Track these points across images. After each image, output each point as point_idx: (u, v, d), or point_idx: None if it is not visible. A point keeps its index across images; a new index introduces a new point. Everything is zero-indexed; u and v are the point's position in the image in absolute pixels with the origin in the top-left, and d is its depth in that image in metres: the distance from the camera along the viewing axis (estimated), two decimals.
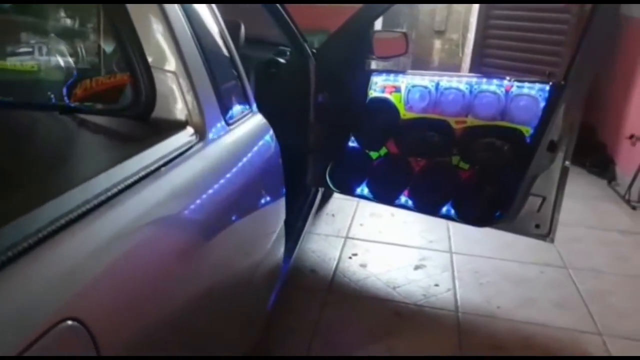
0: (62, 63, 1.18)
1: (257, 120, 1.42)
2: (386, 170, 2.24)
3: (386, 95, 2.17)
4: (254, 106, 1.44)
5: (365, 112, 2.23)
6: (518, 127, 1.93)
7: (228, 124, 1.21)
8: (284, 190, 1.51)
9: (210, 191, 1.04)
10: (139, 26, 1.04)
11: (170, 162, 0.94)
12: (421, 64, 5.96)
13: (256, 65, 2.21)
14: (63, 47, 1.19)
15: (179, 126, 1.07)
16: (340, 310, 2.06)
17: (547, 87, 1.86)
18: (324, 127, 2.34)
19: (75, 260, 0.65)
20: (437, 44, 6.29)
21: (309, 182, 2.42)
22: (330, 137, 2.34)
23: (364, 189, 2.30)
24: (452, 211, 2.12)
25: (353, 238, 2.65)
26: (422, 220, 2.75)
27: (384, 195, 2.26)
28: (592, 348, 1.88)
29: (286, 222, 1.61)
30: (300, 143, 2.36)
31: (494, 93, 1.96)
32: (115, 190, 0.78)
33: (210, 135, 1.11)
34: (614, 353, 1.85)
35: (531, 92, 1.90)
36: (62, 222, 0.66)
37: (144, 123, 1.07)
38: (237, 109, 1.30)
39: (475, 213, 2.07)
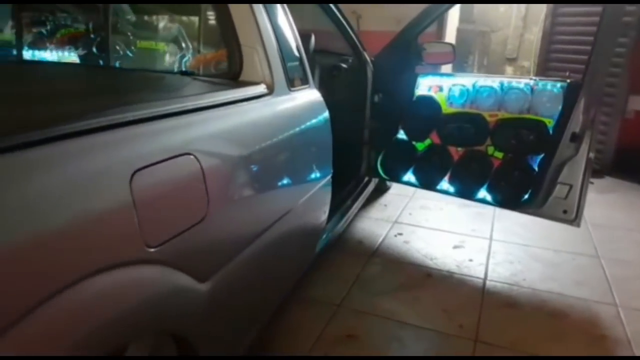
0: (182, 43, 1.73)
1: (313, 93, 1.88)
2: (429, 159, 2.60)
3: (431, 93, 2.56)
4: (312, 84, 1.91)
5: (412, 109, 2.63)
6: (542, 119, 2.23)
7: (290, 89, 1.69)
8: (331, 150, 1.93)
9: (272, 126, 1.50)
10: (235, 17, 1.55)
11: (247, 100, 1.42)
12: None
13: (322, 69, 2.69)
14: (184, 33, 1.74)
15: (256, 84, 1.55)
16: (380, 269, 2.42)
17: (566, 85, 2.15)
18: (378, 123, 2.76)
19: (185, 127, 1.12)
20: (508, 70, 6.53)
21: (362, 173, 2.83)
22: (382, 131, 2.75)
23: (410, 176, 2.68)
24: (488, 196, 2.43)
25: (401, 223, 2.99)
26: (469, 214, 3.06)
27: (428, 181, 2.62)
28: (604, 315, 2.07)
29: (335, 189, 2.00)
30: (357, 137, 2.79)
31: (521, 90, 2.29)
32: (206, 105, 1.24)
33: (277, 92, 1.59)
34: (626, 322, 2.01)
35: (553, 90, 2.20)
36: (168, 112, 1.10)
37: (234, 82, 1.57)
38: (297, 81, 1.78)
39: (504, 196, 2.37)
